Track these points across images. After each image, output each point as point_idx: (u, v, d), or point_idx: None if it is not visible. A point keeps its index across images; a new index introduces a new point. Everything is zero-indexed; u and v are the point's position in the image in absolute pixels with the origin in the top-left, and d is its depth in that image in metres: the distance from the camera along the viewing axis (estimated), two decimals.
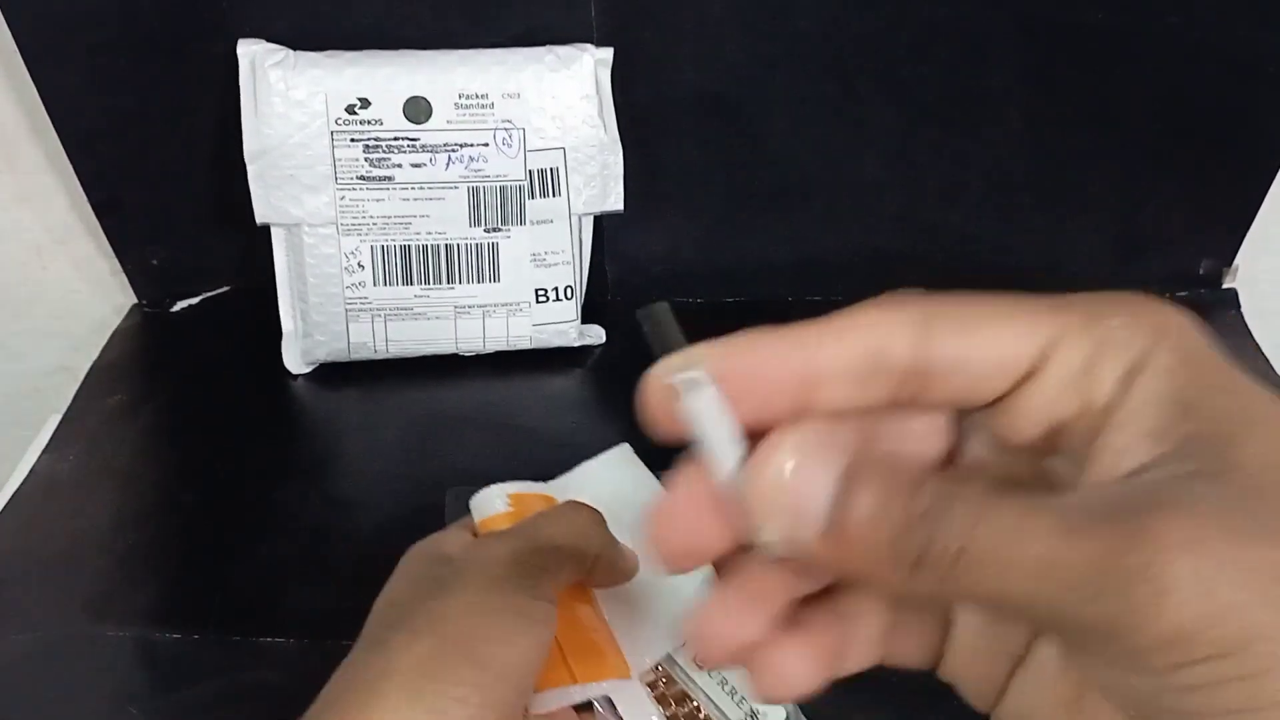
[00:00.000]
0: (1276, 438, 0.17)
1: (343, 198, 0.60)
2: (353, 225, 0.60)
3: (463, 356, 0.64)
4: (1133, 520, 0.15)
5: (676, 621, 0.37)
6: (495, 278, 0.62)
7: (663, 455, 0.40)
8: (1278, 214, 0.66)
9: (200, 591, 0.50)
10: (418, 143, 0.59)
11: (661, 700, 0.36)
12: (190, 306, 0.70)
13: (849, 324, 0.19)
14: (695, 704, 0.36)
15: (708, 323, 0.20)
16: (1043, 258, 0.68)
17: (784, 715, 0.37)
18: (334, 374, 0.64)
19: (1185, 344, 0.18)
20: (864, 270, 0.67)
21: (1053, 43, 0.61)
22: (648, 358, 0.20)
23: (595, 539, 0.34)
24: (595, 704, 0.34)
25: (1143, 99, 0.63)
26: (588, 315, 0.66)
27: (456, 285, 0.62)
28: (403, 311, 0.62)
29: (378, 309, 0.62)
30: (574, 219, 0.63)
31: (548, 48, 0.61)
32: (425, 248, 0.61)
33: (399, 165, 0.60)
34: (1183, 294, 0.69)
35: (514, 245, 0.62)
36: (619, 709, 0.34)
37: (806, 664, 0.21)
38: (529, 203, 0.61)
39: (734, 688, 0.36)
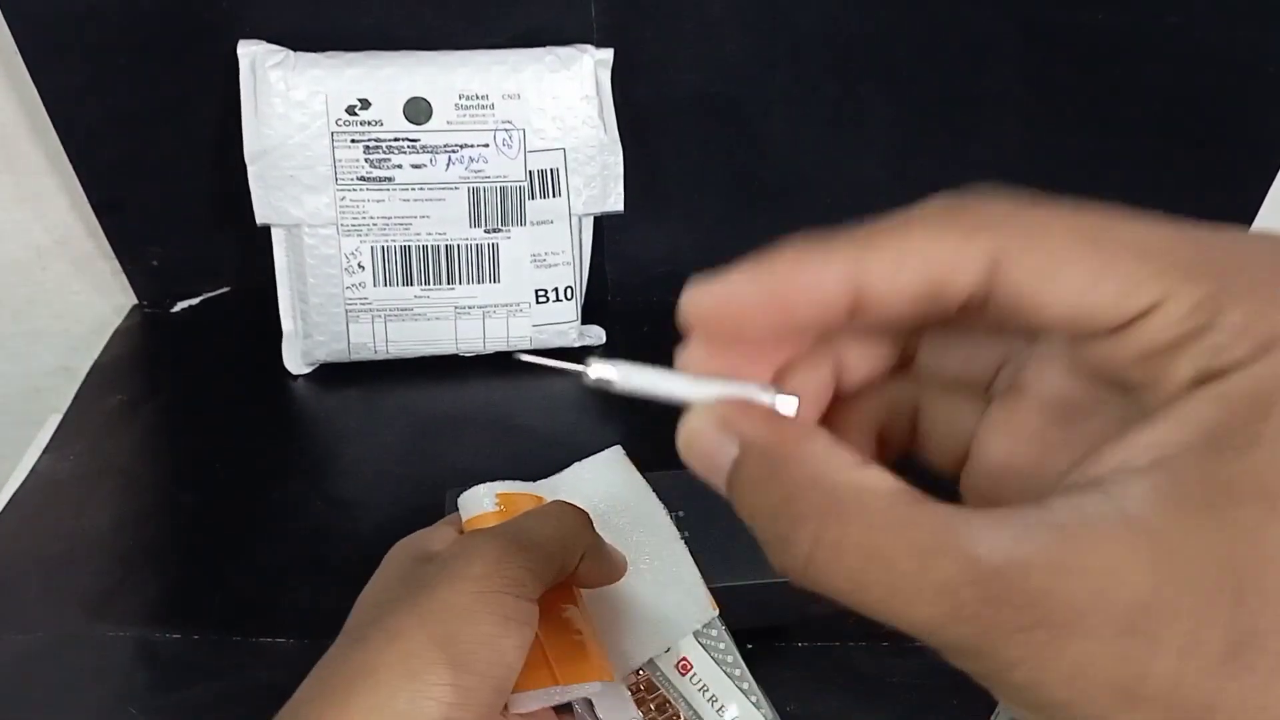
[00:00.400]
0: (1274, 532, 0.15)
1: (343, 198, 0.60)
2: (353, 226, 0.60)
3: (463, 357, 0.64)
4: (1014, 624, 0.15)
5: (660, 627, 0.37)
6: (495, 278, 0.62)
7: (656, 458, 0.41)
8: (1278, 214, 0.66)
9: (200, 591, 0.50)
10: (418, 143, 0.59)
11: (641, 704, 0.36)
12: (190, 307, 0.70)
13: (903, 251, 0.18)
14: (675, 710, 0.36)
15: None
16: None
17: None
18: (334, 374, 0.64)
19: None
20: None
21: (1053, 43, 0.61)
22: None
23: (581, 539, 0.34)
24: (575, 705, 0.34)
25: (1143, 99, 0.63)
26: (588, 315, 0.66)
27: (457, 286, 0.62)
28: (403, 312, 0.62)
29: (378, 309, 0.62)
30: (574, 219, 0.63)
31: (548, 48, 0.61)
32: (425, 248, 0.61)
33: (399, 166, 0.60)
34: None
35: (514, 246, 0.62)
36: (598, 711, 0.34)
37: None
38: (529, 203, 0.61)
39: (714, 695, 0.36)
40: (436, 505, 0.48)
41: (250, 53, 0.59)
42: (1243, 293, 0.16)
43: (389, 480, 0.57)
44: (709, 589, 0.38)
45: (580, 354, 0.66)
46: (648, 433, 0.43)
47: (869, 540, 0.16)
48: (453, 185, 0.60)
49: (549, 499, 0.38)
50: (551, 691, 0.32)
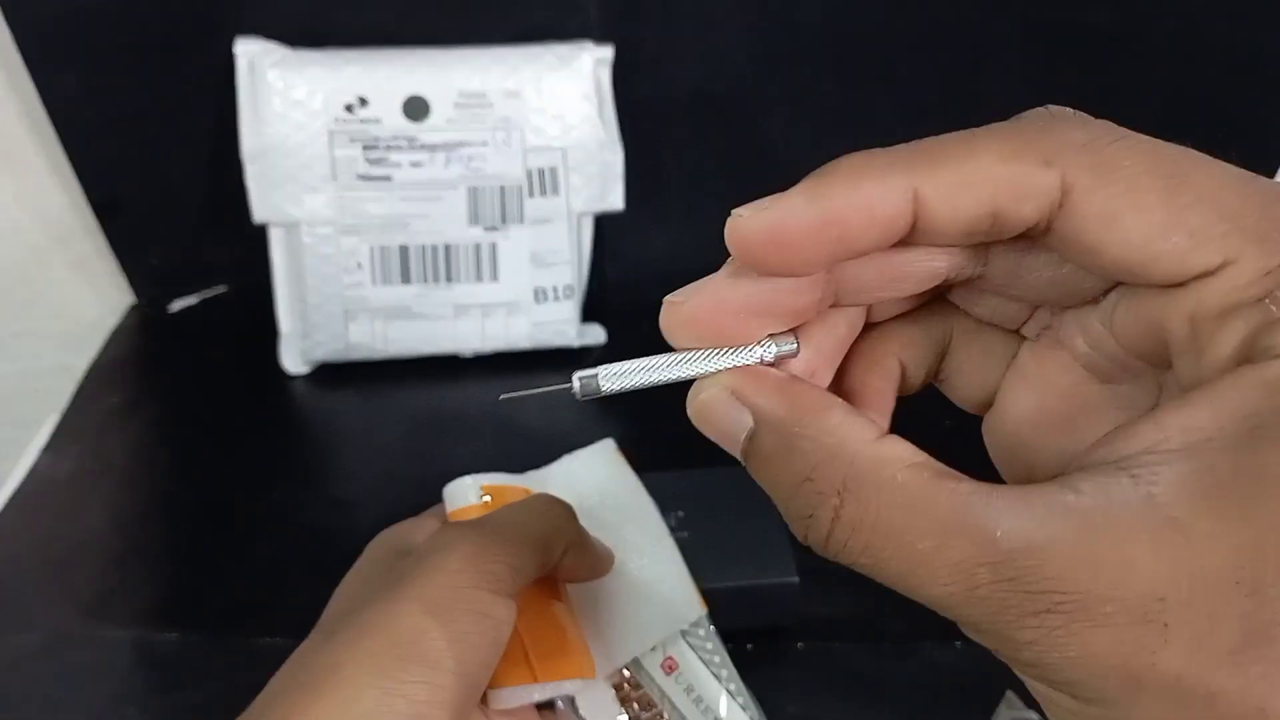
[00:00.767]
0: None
1: (341, 197, 0.60)
2: (351, 225, 0.60)
3: (462, 357, 0.64)
4: (1029, 609, 0.15)
5: (646, 624, 0.36)
6: (494, 277, 0.62)
7: (657, 457, 0.40)
8: None
9: (199, 591, 0.50)
10: (416, 142, 0.59)
11: (625, 703, 0.35)
12: (189, 307, 0.70)
13: (968, 175, 0.17)
14: (659, 710, 0.35)
15: None
16: None
17: None
18: (333, 374, 0.64)
19: None
20: None
21: (1054, 42, 0.61)
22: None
23: (564, 532, 0.33)
24: (557, 702, 0.33)
25: (1143, 99, 0.62)
26: (588, 315, 0.66)
27: (455, 285, 0.62)
28: (401, 311, 0.62)
29: (376, 309, 0.62)
30: (573, 218, 0.63)
31: (547, 46, 0.61)
32: (424, 247, 0.61)
33: (398, 164, 0.60)
34: None
35: (513, 245, 0.62)
36: (581, 709, 0.33)
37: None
38: (528, 202, 0.61)
39: (700, 695, 0.36)
40: (435, 505, 0.48)
41: (248, 51, 0.59)
42: None
43: (387, 480, 0.57)
44: (707, 589, 0.38)
45: (580, 354, 0.66)
46: (647, 432, 0.43)
47: (887, 517, 0.16)
48: (451, 184, 0.60)
49: (536, 491, 0.38)
50: (531, 689, 0.32)
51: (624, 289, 0.70)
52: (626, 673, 0.36)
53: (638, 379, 0.20)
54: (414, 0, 0.60)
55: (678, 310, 0.19)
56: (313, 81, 0.58)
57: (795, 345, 0.20)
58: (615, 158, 0.62)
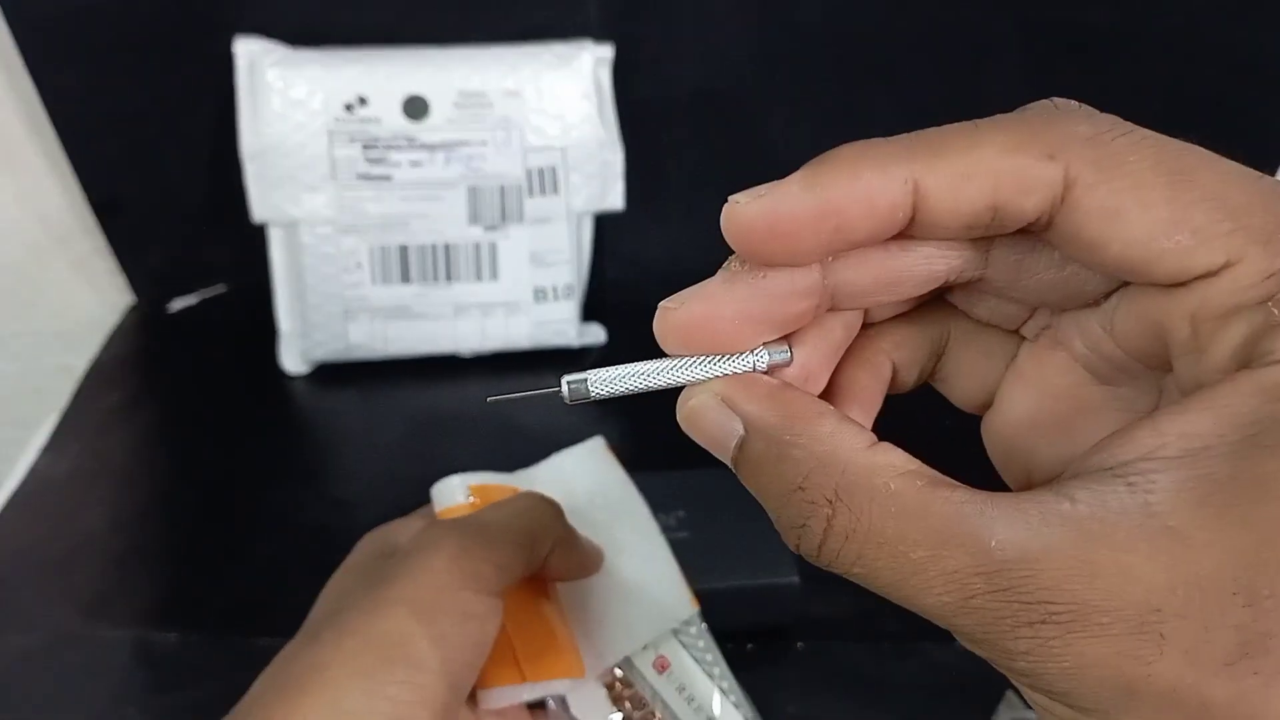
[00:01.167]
0: None
1: (341, 197, 0.60)
2: (351, 224, 0.60)
3: (462, 356, 0.64)
4: (1024, 619, 0.15)
5: (637, 623, 0.36)
6: (494, 277, 0.62)
7: (656, 457, 0.40)
8: None
9: (198, 591, 0.50)
10: (416, 141, 0.59)
11: (617, 702, 0.35)
12: (189, 306, 0.70)
13: (970, 167, 0.16)
14: (651, 709, 0.35)
15: None
16: None
17: None
18: (332, 374, 0.64)
19: None
20: None
21: (1053, 42, 0.61)
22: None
23: (550, 530, 0.33)
24: (549, 701, 0.33)
25: (1143, 99, 0.62)
26: (588, 315, 0.66)
27: (455, 285, 0.62)
28: (401, 311, 0.62)
29: (376, 309, 0.62)
30: (573, 218, 0.63)
31: (547, 45, 0.60)
32: (424, 247, 0.61)
33: (397, 164, 0.60)
34: None
35: (513, 244, 0.62)
36: (572, 709, 0.33)
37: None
38: (528, 201, 0.61)
39: (692, 695, 0.36)
40: (425, 505, 0.48)
41: (248, 50, 0.59)
42: None
43: (387, 480, 0.56)
44: (708, 589, 0.38)
45: (580, 353, 0.65)
46: (646, 432, 0.43)
47: (880, 526, 0.16)
48: (451, 183, 0.60)
49: (525, 490, 0.38)
50: (520, 689, 0.31)
51: (624, 289, 0.70)
52: (618, 672, 0.36)
53: (627, 385, 0.20)
54: (414, 0, 0.60)
55: (671, 316, 0.19)
56: (312, 81, 0.58)
57: (789, 354, 0.19)
58: (615, 157, 0.62)
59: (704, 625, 0.37)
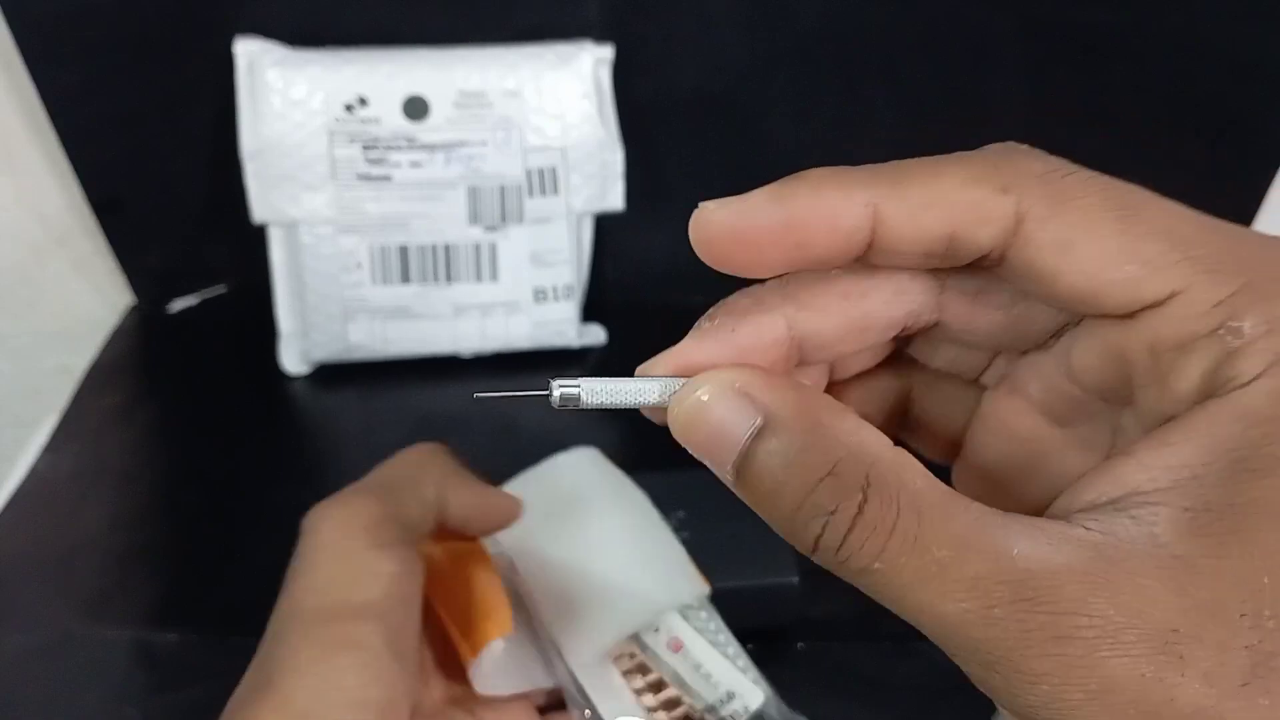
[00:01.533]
0: None
1: (341, 197, 0.60)
2: (351, 224, 0.60)
3: (462, 357, 0.64)
4: (1049, 634, 0.15)
5: (640, 599, 0.36)
6: (494, 277, 0.62)
7: (657, 457, 0.40)
8: (1278, 214, 0.66)
9: (199, 591, 0.50)
10: (416, 141, 0.59)
11: (630, 675, 0.35)
12: (189, 307, 0.70)
13: (929, 197, 0.17)
14: (669, 688, 0.35)
15: None
16: None
17: (761, 698, 0.36)
18: (332, 374, 0.64)
19: None
20: None
21: (1053, 42, 0.61)
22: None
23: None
24: (566, 690, 0.33)
25: (1143, 99, 0.62)
26: (588, 315, 0.66)
27: (455, 285, 0.62)
28: (401, 311, 0.62)
29: (376, 309, 0.62)
30: (573, 218, 0.63)
31: (547, 45, 0.60)
32: (424, 247, 0.61)
33: (397, 164, 0.60)
34: None
35: (513, 244, 0.62)
36: (590, 694, 0.33)
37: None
38: (528, 201, 0.61)
39: (709, 672, 0.36)
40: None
41: (248, 50, 0.59)
42: (1262, 300, 0.16)
43: None
44: (707, 591, 0.38)
45: (580, 354, 0.65)
46: (647, 432, 0.43)
47: (910, 523, 0.16)
48: (451, 183, 0.60)
49: (518, 495, 0.38)
50: (476, 665, 0.32)
51: (624, 289, 0.70)
52: (633, 657, 0.36)
53: (619, 400, 0.19)
54: (414, 0, 0.60)
55: (649, 372, 0.19)
56: (312, 81, 0.58)
57: None
58: (615, 157, 0.62)
59: (714, 608, 0.37)
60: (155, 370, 0.66)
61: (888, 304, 0.20)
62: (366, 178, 0.60)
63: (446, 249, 0.61)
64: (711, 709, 0.35)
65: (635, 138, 0.62)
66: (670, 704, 0.35)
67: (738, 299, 0.20)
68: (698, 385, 0.18)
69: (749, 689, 0.35)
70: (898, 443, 0.22)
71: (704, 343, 0.19)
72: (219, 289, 0.71)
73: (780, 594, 0.44)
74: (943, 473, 0.23)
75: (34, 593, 0.49)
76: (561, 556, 0.37)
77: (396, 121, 0.59)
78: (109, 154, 0.63)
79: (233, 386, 0.64)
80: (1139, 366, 0.17)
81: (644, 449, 0.44)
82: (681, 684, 0.35)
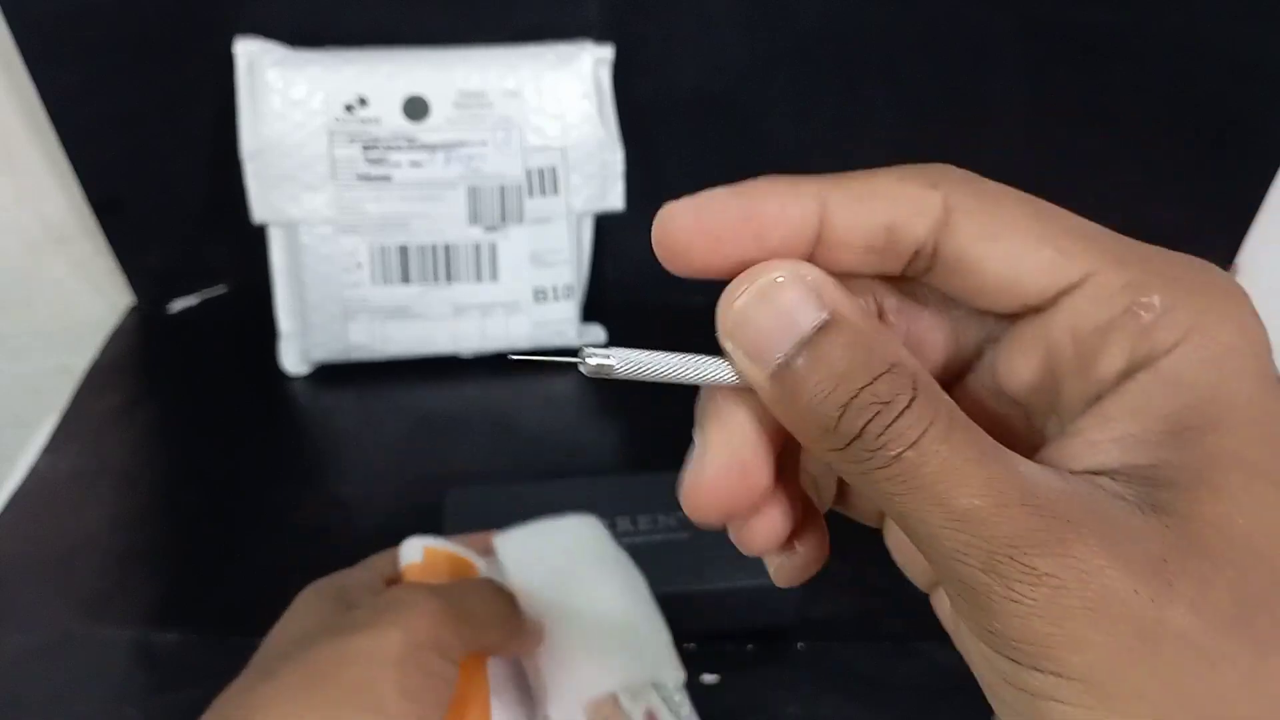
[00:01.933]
0: (1256, 502, 0.16)
1: (341, 197, 0.60)
2: (351, 224, 0.60)
3: (462, 357, 0.64)
4: (1054, 536, 0.16)
5: (619, 661, 0.37)
6: (494, 277, 0.62)
7: (658, 458, 0.40)
8: (1278, 214, 0.66)
9: (198, 591, 0.50)
10: (416, 141, 0.59)
11: None
12: (189, 307, 0.70)
13: (868, 190, 0.19)
14: None
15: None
16: None
17: None
18: (332, 374, 0.64)
19: (1223, 351, 0.17)
20: None
21: (1053, 42, 0.61)
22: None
23: (508, 621, 0.34)
24: None
25: (1143, 99, 0.62)
26: (588, 315, 0.66)
27: (455, 285, 0.62)
28: (401, 311, 0.62)
29: (376, 309, 0.62)
30: (573, 218, 0.63)
31: (547, 45, 0.60)
32: (423, 247, 0.61)
33: (397, 164, 0.60)
34: None
35: (513, 244, 0.62)
36: None
37: (777, 521, 0.21)
38: (528, 201, 0.61)
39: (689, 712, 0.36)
40: (435, 505, 0.48)
41: (248, 51, 0.59)
42: (1164, 282, 0.18)
43: (387, 480, 0.56)
44: (708, 589, 0.38)
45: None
46: (646, 432, 0.43)
47: (944, 423, 0.17)
48: (451, 184, 0.60)
49: (501, 549, 0.39)
50: None
51: (624, 289, 0.70)
52: (608, 710, 0.36)
53: (652, 373, 0.20)
54: (414, 0, 0.60)
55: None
56: (312, 81, 0.58)
57: None
58: (615, 157, 0.62)
59: (686, 694, 0.37)
60: (155, 370, 0.66)
61: None
62: (366, 178, 0.60)
63: (446, 249, 0.61)
64: None
65: (635, 138, 0.62)
66: None
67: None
68: (771, 268, 0.19)
69: None
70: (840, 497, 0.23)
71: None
72: (219, 289, 0.71)
73: (780, 594, 0.44)
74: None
75: (34, 593, 0.49)
76: (559, 606, 0.37)
77: (396, 121, 0.59)
78: (109, 154, 0.63)
79: (233, 386, 0.64)
80: (1063, 357, 0.19)
81: (644, 449, 0.44)
82: None
